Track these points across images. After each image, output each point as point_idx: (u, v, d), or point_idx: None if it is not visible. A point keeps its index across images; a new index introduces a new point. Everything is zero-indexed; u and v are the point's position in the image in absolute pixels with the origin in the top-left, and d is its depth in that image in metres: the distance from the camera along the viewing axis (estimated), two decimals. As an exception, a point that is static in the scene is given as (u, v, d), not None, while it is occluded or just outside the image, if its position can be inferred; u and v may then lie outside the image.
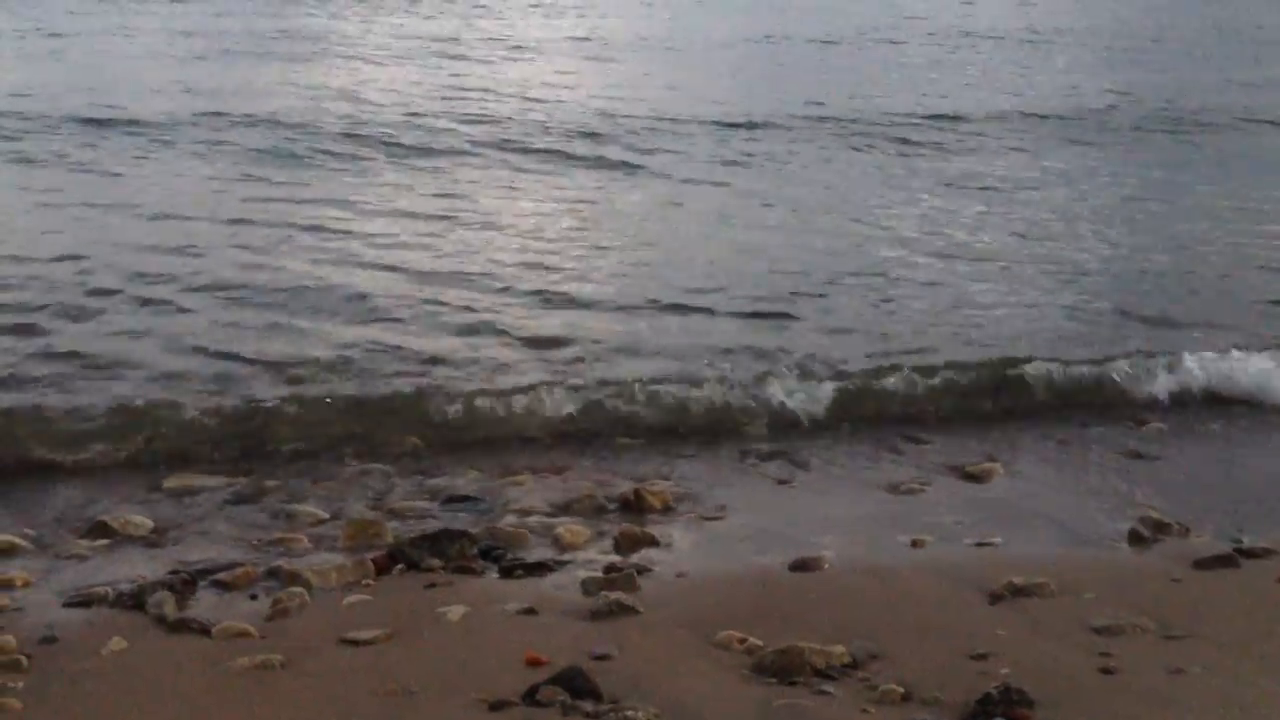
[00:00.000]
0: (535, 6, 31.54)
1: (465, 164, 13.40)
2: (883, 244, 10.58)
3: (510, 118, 15.84)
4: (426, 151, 13.79)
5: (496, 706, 3.98)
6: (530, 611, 4.81)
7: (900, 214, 11.66)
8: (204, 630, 4.66)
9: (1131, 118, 17.78)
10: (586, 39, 25.22)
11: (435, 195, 12.04)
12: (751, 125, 15.64)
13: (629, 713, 3.88)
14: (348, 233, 10.37)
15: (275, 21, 25.46)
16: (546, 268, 9.70)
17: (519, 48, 23.58)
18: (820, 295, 9.04)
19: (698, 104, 16.98)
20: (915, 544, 5.69)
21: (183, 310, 8.46)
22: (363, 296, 8.69)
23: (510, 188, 12.62)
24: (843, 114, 16.66)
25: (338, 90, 17.43)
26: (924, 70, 22.13)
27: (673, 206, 11.92)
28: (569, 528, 5.75)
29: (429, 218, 11.08)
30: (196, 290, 8.81)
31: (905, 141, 15.28)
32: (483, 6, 30.68)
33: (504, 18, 28.78)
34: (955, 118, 16.78)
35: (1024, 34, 28.61)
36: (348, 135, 14.28)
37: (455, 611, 4.78)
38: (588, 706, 3.96)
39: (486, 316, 8.37)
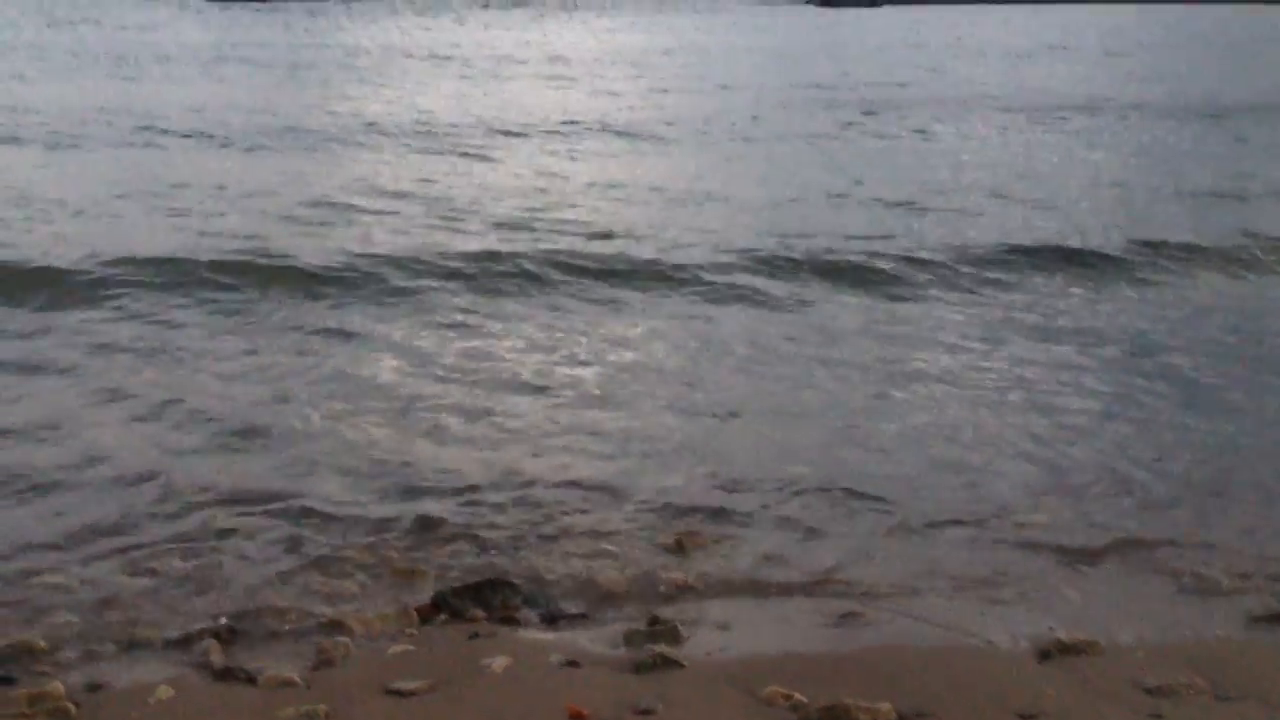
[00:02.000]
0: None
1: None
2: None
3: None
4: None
5: (539, 762, 3.97)
6: (573, 664, 4.80)
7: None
8: (250, 679, 4.69)
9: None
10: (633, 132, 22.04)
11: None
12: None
13: (672, 770, 3.85)
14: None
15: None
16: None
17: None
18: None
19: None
20: (960, 596, 5.63)
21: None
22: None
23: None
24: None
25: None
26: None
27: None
28: (614, 576, 5.74)
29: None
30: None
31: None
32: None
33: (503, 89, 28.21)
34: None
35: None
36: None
37: (498, 663, 4.78)
38: (631, 763, 3.94)
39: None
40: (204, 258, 11.30)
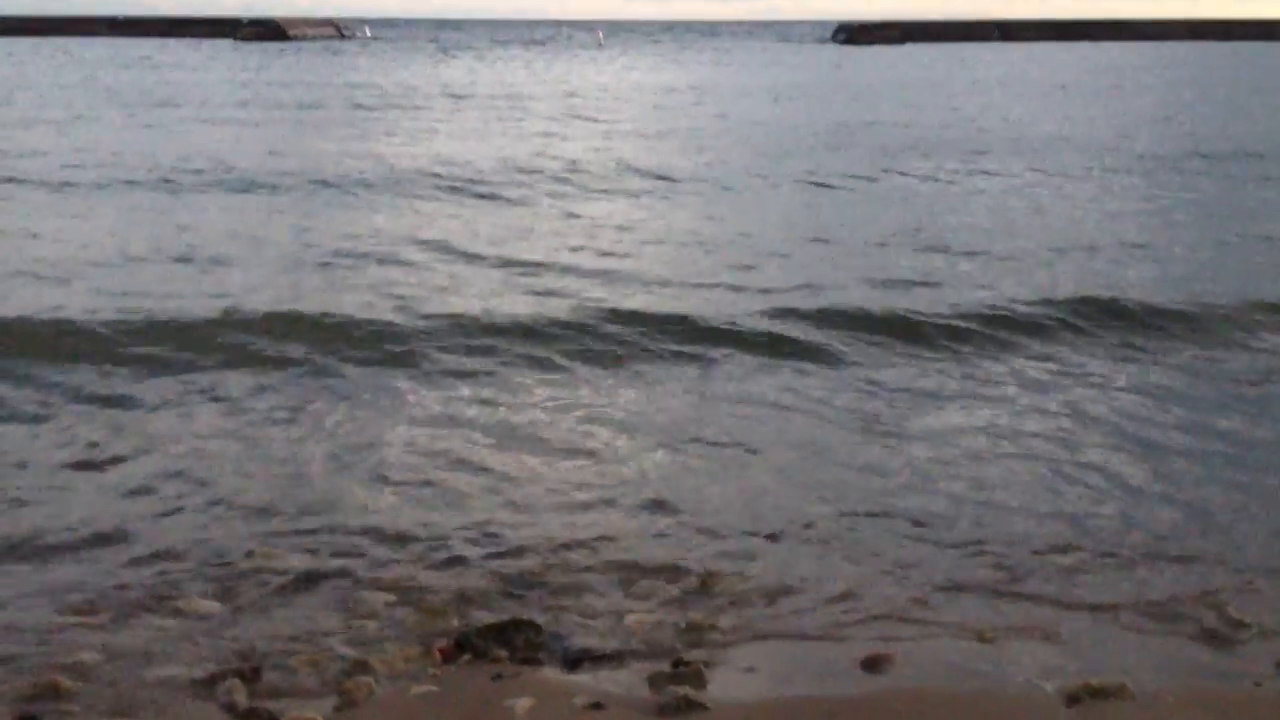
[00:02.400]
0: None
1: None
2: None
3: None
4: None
5: (564, 806, 3.94)
6: (597, 706, 4.77)
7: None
8: (273, 720, 4.68)
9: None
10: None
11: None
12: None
13: (698, 816, 3.82)
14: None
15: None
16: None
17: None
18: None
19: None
20: (985, 639, 5.58)
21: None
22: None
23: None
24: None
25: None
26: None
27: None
28: (637, 618, 5.71)
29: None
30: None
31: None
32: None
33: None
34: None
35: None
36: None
37: (522, 704, 4.76)
38: (656, 808, 3.91)
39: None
40: (214, 306, 11.28)
